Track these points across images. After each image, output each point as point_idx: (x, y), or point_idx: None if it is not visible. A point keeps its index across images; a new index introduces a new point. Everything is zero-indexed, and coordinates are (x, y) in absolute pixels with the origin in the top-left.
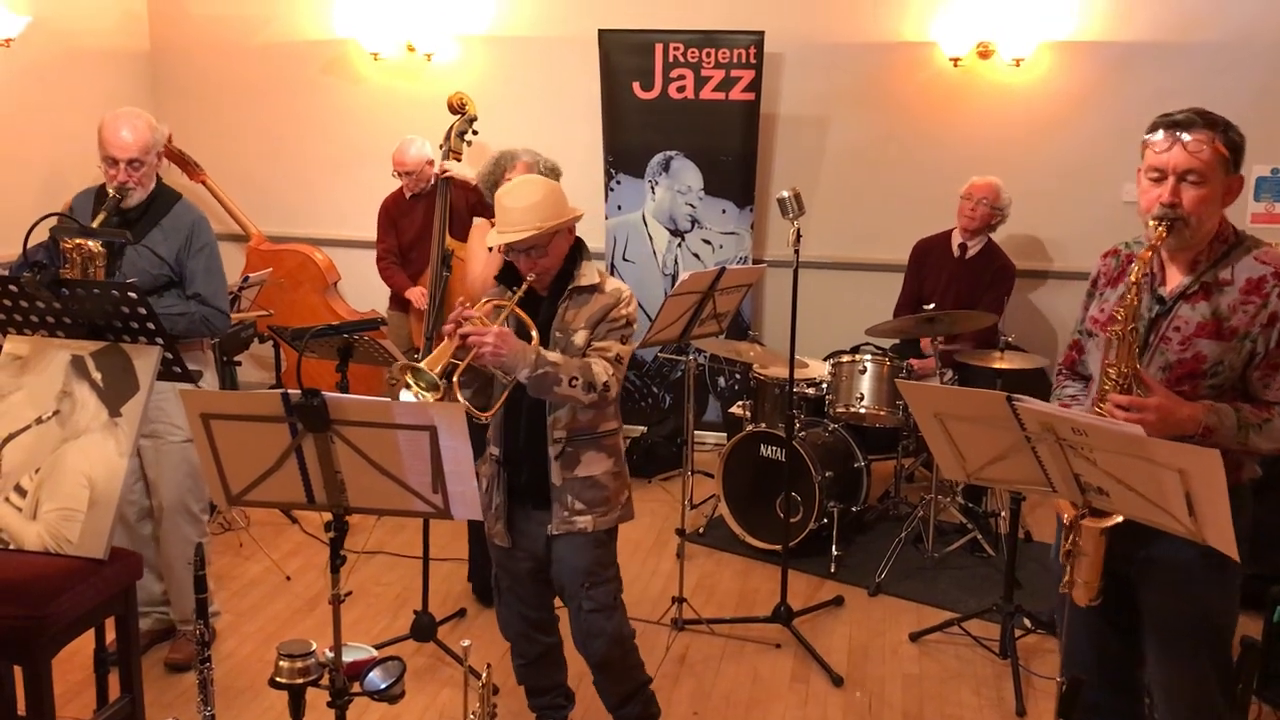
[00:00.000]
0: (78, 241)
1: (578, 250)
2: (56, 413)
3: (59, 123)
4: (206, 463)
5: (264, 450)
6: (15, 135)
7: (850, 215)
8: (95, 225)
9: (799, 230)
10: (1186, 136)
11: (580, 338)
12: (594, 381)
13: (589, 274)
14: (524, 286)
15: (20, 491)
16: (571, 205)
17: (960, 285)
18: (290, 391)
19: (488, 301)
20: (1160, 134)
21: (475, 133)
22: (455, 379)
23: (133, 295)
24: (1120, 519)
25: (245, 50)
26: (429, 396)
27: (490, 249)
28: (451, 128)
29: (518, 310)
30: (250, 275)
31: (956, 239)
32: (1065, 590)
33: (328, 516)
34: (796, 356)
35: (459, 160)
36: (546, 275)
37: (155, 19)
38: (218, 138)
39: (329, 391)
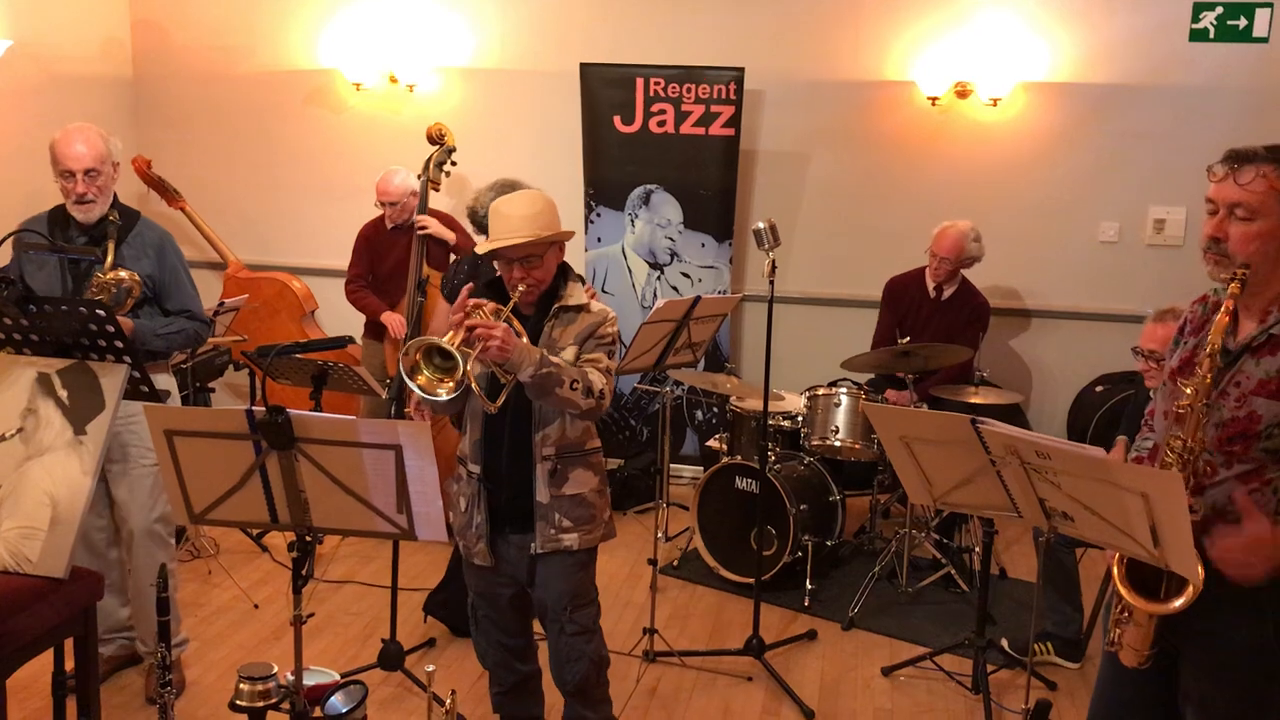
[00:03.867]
0: (112, 275)
1: (564, 271)
2: (20, 430)
3: (39, 148)
4: (169, 480)
5: (228, 468)
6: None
7: (828, 251)
8: (105, 254)
9: (774, 262)
10: (1243, 169)
11: (569, 354)
12: (592, 387)
13: (576, 294)
14: (517, 295)
15: None
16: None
17: (936, 324)
18: (255, 409)
19: (488, 304)
20: (1221, 165)
21: (454, 163)
22: (469, 365)
23: (101, 313)
24: (1181, 605)
25: (228, 78)
26: (443, 386)
27: (476, 264)
28: (430, 158)
29: (513, 319)
30: (226, 301)
31: (930, 280)
32: (1111, 649)
33: (292, 537)
34: (773, 389)
35: (438, 190)
36: (537, 289)
37: (138, 46)
38: (198, 165)
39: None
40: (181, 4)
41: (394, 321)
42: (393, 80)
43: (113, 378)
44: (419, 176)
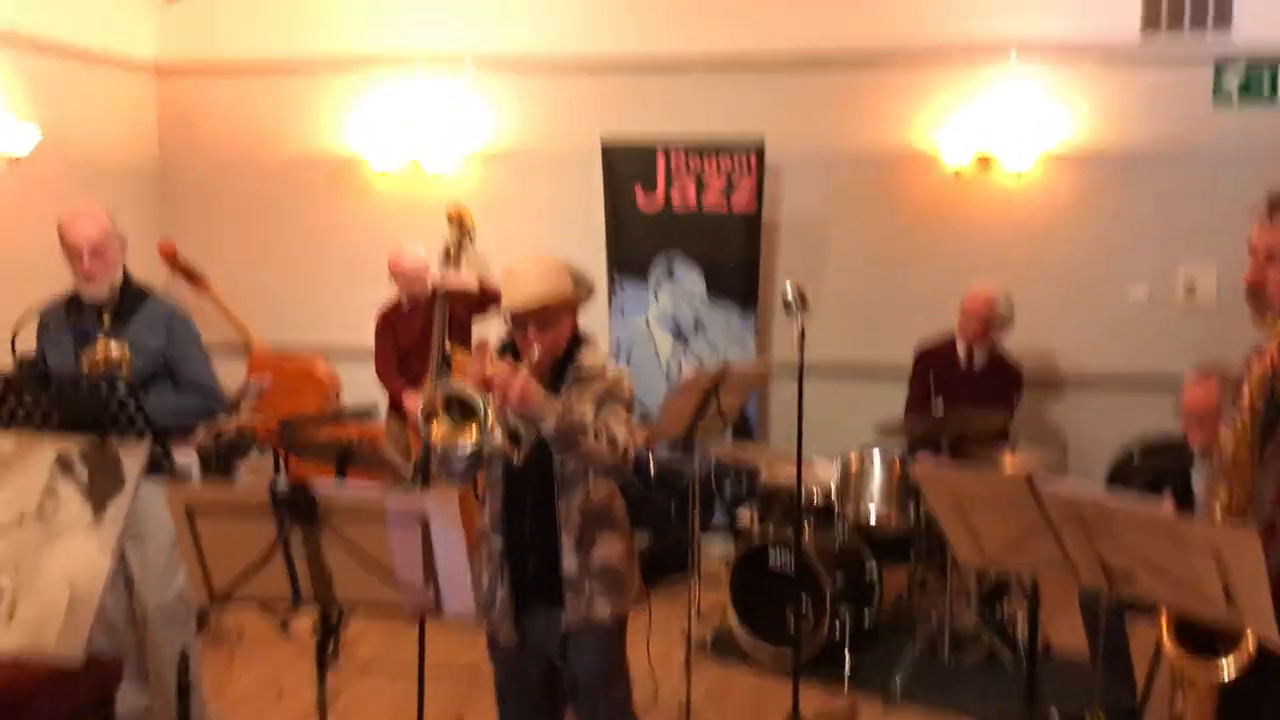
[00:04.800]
0: (102, 353)
1: (578, 336)
2: (39, 511)
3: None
4: (189, 558)
5: (249, 545)
6: (23, 250)
7: (855, 320)
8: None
9: (804, 327)
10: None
11: (587, 415)
12: (616, 438)
13: (591, 359)
14: (529, 358)
15: None
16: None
17: (969, 391)
18: (278, 482)
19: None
20: (1262, 208)
21: (473, 243)
22: (491, 415)
23: (121, 388)
24: (1233, 665)
25: (253, 165)
26: (464, 437)
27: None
28: (450, 239)
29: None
30: (250, 380)
31: (961, 345)
32: None
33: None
34: (804, 458)
35: (458, 270)
36: (551, 353)
37: (165, 134)
38: (224, 249)
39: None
40: (208, 93)
41: (413, 404)
42: (416, 165)
43: (133, 454)
44: (439, 259)
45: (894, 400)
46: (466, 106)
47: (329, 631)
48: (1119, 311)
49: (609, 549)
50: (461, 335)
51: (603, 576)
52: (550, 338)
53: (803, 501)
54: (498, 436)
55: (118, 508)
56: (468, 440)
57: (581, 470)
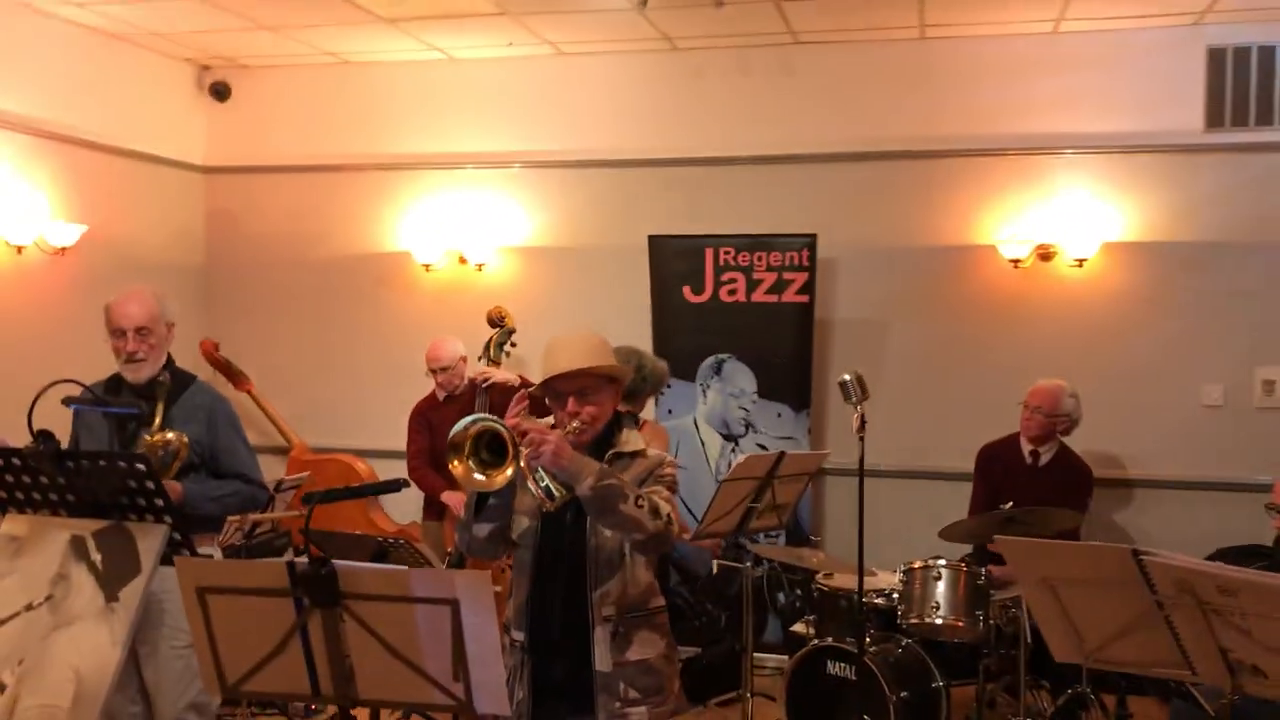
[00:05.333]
0: (159, 436)
1: (619, 418)
2: (49, 598)
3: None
4: (200, 645)
5: (265, 630)
6: (66, 346)
7: (912, 422)
8: (154, 414)
9: (864, 416)
10: None
11: (627, 481)
12: (658, 509)
13: (633, 440)
14: (570, 432)
15: None
16: None
17: (1035, 492)
18: (296, 560)
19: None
20: None
21: (514, 345)
22: (520, 463)
23: (140, 467)
24: None
25: (299, 263)
26: (492, 478)
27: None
28: (491, 339)
29: None
30: (286, 479)
31: (1026, 445)
32: None
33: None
34: (865, 566)
35: (498, 367)
36: (590, 428)
37: (211, 233)
38: (266, 348)
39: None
40: (255, 193)
41: (455, 500)
42: (461, 261)
43: (150, 540)
44: (479, 359)
45: (954, 503)
46: (512, 201)
47: None
48: (1192, 415)
49: (647, 648)
50: None
51: (638, 679)
52: (591, 410)
53: (864, 607)
54: (531, 484)
55: (131, 594)
56: (490, 483)
57: (619, 555)
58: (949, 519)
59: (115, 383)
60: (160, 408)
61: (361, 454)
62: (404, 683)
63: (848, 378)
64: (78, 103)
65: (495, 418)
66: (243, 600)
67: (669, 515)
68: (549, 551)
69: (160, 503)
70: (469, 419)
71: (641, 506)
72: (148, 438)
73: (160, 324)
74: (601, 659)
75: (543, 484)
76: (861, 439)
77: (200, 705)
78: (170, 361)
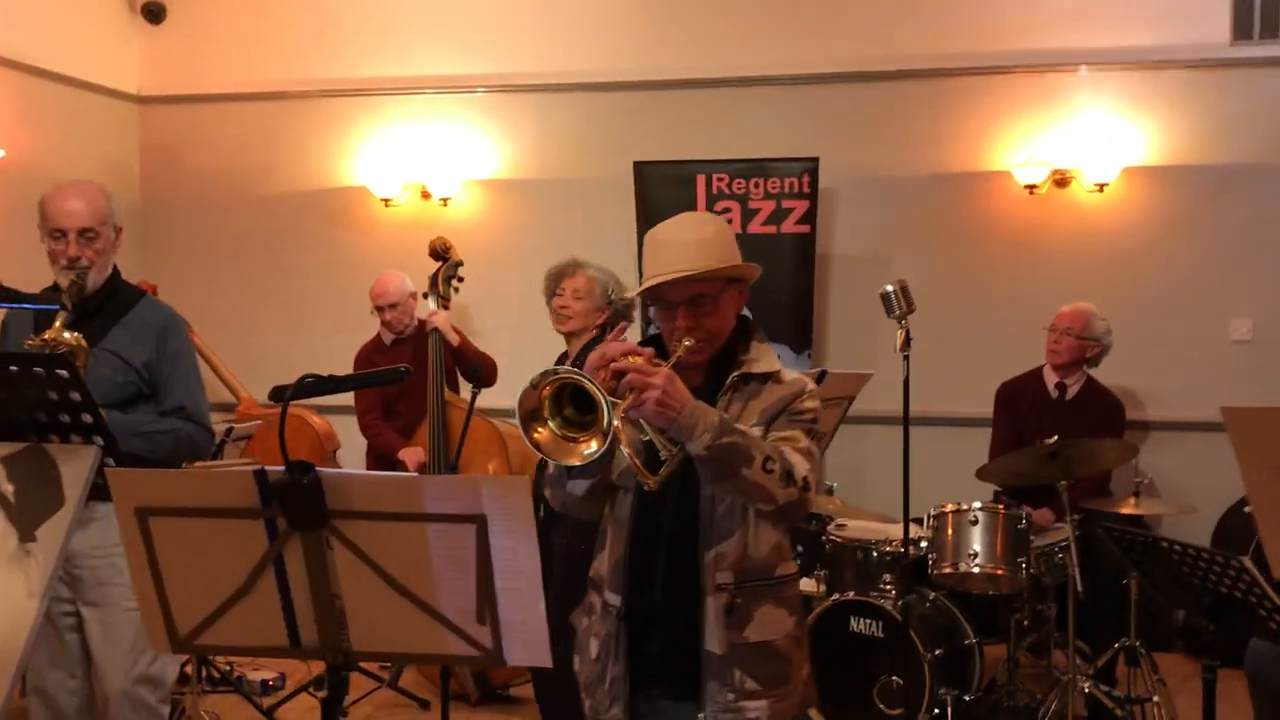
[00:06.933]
0: (49, 336)
1: (746, 327)
2: None
3: (39, 277)
4: (142, 586)
5: (227, 564)
6: None
7: (925, 363)
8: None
9: (908, 332)
10: None
11: (753, 434)
12: (793, 471)
13: (763, 359)
14: (681, 350)
15: None
16: None
17: (1063, 428)
18: (270, 468)
19: (645, 351)
20: None
21: (461, 279)
22: (617, 420)
23: (63, 374)
24: None
25: (243, 202)
26: (577, 446)
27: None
28: (438, 274)
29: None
30: (237, 426)
31: (1051, 378)
32: None
33: (319, 669)
34: (882, 516)
35: (447, 308)
36: (708, 345)
37: (147, 169)
38: (208, 294)
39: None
40: (194, 124)
41: (411, 456)
42: (424, 195)
43: (76, 464)
44: (425, 296)
45: (969, 449)
46: (480, 130)
47: (338, 691)
48: (1219, 351)
49: (771, 627)
50: (448, 378)
51: (759, 666)
52: (709, 324)
53: (884, 559)
54: (625, 454)
55: (52, 532)
56: (583, 452)
57: (740, 513)
58: (964, 465)
59: (48, 293)
60: (68, 305)
61: (317, 410)
62: (412, 628)
63: (890, 288)
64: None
65: (572, 370)
66: (198, 524)
67: (805, 478)
68: (653, 497)
69: (89, 419)
70: (538, 375)
71: (771, 471)
72: (34, 338)
73: (109, 227)
74: (713, 637)
75: (643, 440)
76: (906, 358)
77: (155, 678)
78: (116, 273)
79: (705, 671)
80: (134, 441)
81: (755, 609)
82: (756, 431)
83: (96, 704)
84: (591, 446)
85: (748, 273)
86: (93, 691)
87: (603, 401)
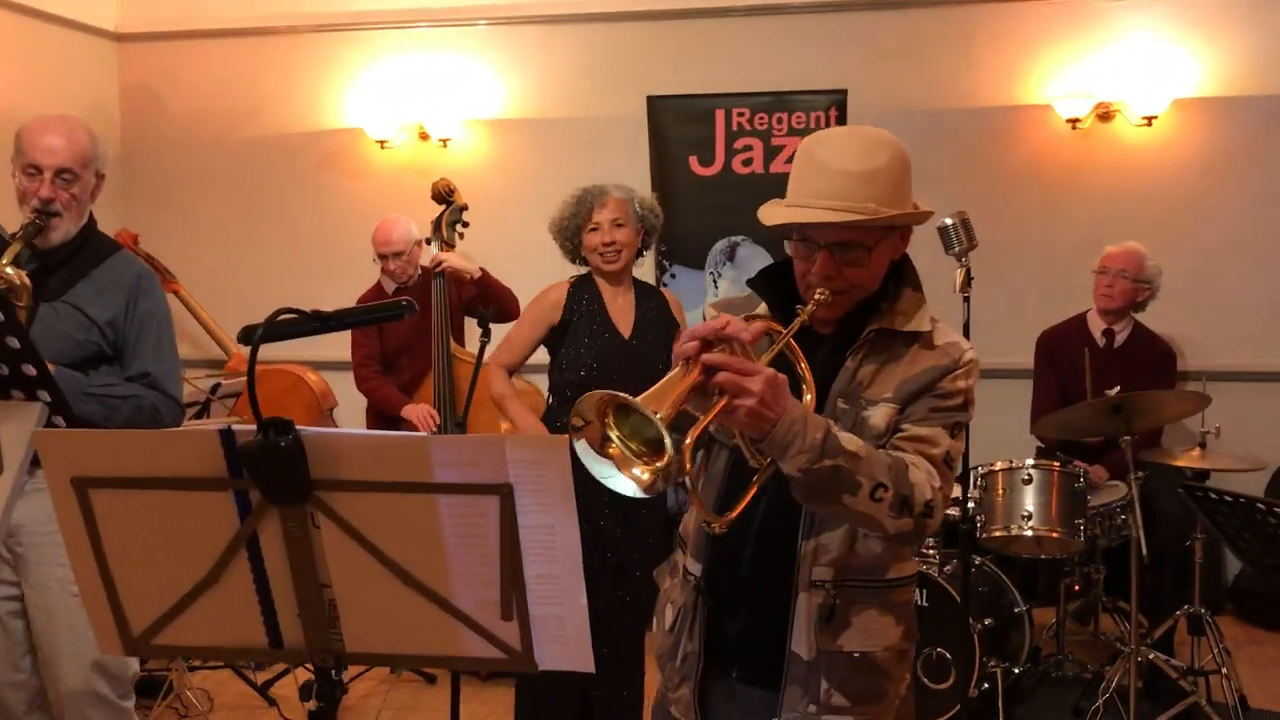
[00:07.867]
0: None
1: (900, 276)
2: None
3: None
4: (85, 575)
5: (189, 547)
6: None
7: (958, 312)
8: (4, 258)
9: (969, 271)
10: None
11: (880, 415)
12: (911, 497)
13: (914, 315)
14: (813, 305)
15: None
16: None
17: (1114, 379)
18: (239, 427)
19: (755, 323)
20: None
21: (466, 223)
22: (689, 441)
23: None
24: None
25: (229, 146)
26: (637, 469)
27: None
28: (441, 217)
29: (794, 347)
30: (224, 382)
31: (1098, 324)
32: None
33: (307, 676)
34: None
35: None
36: (846, 299)
37: (127, 111)
38: (194, 243)
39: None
40: (177, 63)
41: (419, 415)
42: (422, 136)
43: (17, 422)
44: (429, 242)
45: (1009, 402)
46: (482, 66)
47: (330, 700)
48: (1275, 295)
49: (873, 636)
50: (454, 331)
51: (851, 679)
52: (855, 277)
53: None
54: (687, 478)
55: None
56: (633, 481)
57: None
58: (1002, 420)
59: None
60: (17, 243)
61: (310, 364)
62: (418, 625)
63: (950, 221)
64: None
65: (622, 395)
66: (151, 497)
67: (928, 503)
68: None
69: (31, 370)
70: (588, 397)
71: (881, 500)
72: None
73: (90, 171)
74: (800, 640)
75: (728, 445)
76: (966, 299)
77: (112, 671)
78: (92, 223)
79: (787, 674)
80: (85, 403)
81: (855, 614)
82: (882, 413)
83: (48, 698)
84: (651, 471)
85: (920, 219)
86: (44, 686)
87: (665, 434)
